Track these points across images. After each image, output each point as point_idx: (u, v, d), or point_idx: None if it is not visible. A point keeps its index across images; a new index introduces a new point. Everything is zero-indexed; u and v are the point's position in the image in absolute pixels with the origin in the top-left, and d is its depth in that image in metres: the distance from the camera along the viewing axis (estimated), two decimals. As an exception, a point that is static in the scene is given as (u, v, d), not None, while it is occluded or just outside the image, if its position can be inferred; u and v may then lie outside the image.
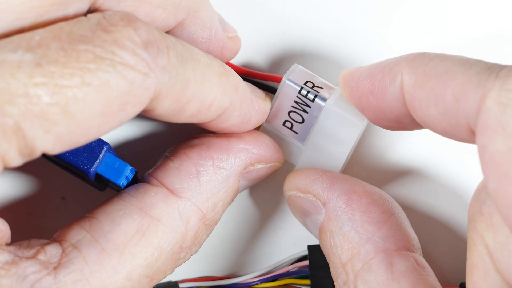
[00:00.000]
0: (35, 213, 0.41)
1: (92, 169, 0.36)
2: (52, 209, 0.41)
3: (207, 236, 0.37)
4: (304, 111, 0.38)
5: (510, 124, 0.28)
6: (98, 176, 0.37)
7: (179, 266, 0.41)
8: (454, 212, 0.42)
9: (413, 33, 0.41)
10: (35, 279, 0.31)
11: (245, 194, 0.42)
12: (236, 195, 0.38)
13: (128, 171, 0.36)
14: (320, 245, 0.36)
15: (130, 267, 0.33)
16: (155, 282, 0.35)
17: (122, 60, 0.29)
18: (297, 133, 0.39)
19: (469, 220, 0.33)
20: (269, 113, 0.38)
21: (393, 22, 0.41)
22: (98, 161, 0.36)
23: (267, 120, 0.38)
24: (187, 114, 0.33)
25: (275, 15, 0.41)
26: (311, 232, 0.38)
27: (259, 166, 0.37)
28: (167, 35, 0.32)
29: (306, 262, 0.41)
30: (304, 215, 0.37)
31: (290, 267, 0.41)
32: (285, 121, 0.39)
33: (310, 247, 0.40)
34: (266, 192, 0.42)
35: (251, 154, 0.37)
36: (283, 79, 0.38)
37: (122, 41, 0.29)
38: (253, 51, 0.41)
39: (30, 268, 0.32)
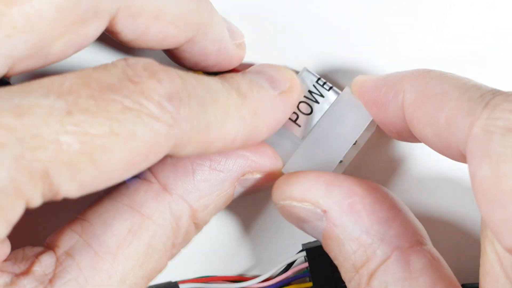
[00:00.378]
0: (34, 213, 0.40)
1: None
2: (51, 210, 0.41)
3: (196, 235, 0.36)
4: (316, 101, 0.38)
5: (496, 151, 0.28)
6: None
7: (179, 266, 0.42)
8: (455, 212, 0.42)
9: (420, 38, 0.41)
10: None
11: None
12: (230, 200, 0.37)
13: None
14: (325, 249, 0.36)
15: (124, 270, 0.33)
16: (151, 280, 0.35)
17: (149, 112, 0.30)
18: (300, 126, 0.38)
19: (481, 226, 0.33)
20: None
21: (400, 27, 0.41)
22: None
23: None
24: (212, 151, 0.34)
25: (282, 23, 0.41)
26: (309, 234, 0.37)
27: (258, 175, 0.37)
28: (187, 77, 0.32)
29: (303, 265, 0.41)
30: (301, 222, 0.36)
31: (289, 273, 0.41)
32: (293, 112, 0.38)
33: (307, 251, 0.40)
34: (267, 190, 0.40)
35: (251, 162, 0.37)
36: (302, 69, 0.39)
37: (148, 93, 0.30)
38: (256, 55, 0.41)
39: (28, 285, 0.32)
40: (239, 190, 0.37)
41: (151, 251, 0.34)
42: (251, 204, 0.42)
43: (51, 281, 0.32)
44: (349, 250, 0.34)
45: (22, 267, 0.33)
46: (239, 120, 0.34)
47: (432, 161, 0.42)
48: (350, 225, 0.34)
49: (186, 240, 0.36)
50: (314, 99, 0.39)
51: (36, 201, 0.29)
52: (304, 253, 0.41)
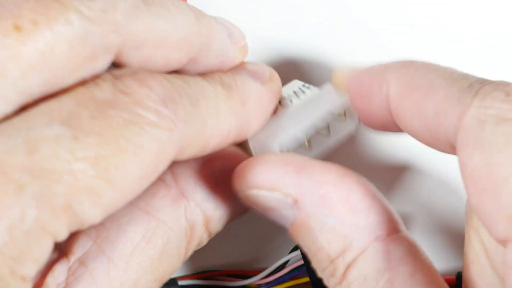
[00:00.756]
0: None
1: None
2: None
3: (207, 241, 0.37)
4: (297, 96, 0.38)
5: (488, 140, 0.28)
6: None
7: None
8: (450, 199, 0.42)
9: (413, 34, 0.41)
10: None
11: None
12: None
13: None
14: (294, 237, 0.34)
15: (136, 276, 0.33)
16: (163, 282, 0.35)
17: (148, 121, 0.29)
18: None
19: (466, 215, 0.33)
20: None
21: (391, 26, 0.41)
22: None
23: None
24: (210, 149, 0.33)
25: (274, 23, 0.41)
26: (274, 221, 0.35)
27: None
28: (173, 79, 0.32)
29: (297, 263, 0.41)
30: (267, 211, 0.35)
31: (285, 270, 0.41)
32: None
33: (302, 250, 0.40)
34: None
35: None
36: (292, 81, 0.38)
37: (143, 101, 0.30)
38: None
39: None
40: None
41: (165, 257, 0.34)
42: None
43: None
44: (323, 240, 0.33)
45: (36, 277, 0.33)
46: (230, 113, 0.34)
47: (417, 154, 0.42)
48: (324, 215, 0.33)
49: (198, 246, 0.36)
50: (296, 95, 0.38)
51: (62, 235, 0.28)
52: (298, 250, 0.41)
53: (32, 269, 0.28)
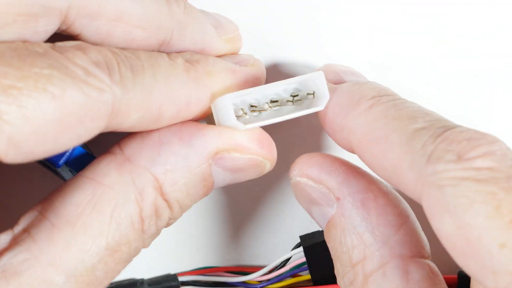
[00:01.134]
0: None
1: (61, 161, 0.36)
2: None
3: (174, 216, 0.35)
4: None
5: (452, 204, 0.29)
6: (67, 169, 0.36)
7: (179, 258, 0.42)
8: None
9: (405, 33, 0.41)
10: None
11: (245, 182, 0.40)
12: (211, 183, 0.35)
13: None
14: (326, 237, 0.36)
15: (84, 239, 0.32)
16: (120, 255, 0.33)
17: (76, 75, 0.30)
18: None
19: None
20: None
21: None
22: (67, 153, 0.36)
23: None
24: (167, 118, 0.33)
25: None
26: (314, 219, 0.37)
27: (236, 155, 0.35)
28: (122, 51, 0.32)
29: (298, 260, 0.41)
30: (311, 203, 0.36)
31: (287, 267, 0.41)
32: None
33: (305, 249, 0.40)
34: (266, 179, 0.41)
35: (227, 139, 0.35)
36: None
37: (73, 59, 0.30)
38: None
39: None
40: (219, 172, 0.35)
41: (114, 222, 0.33)
42: (250, 195, 0.42)
43: (1, 254, 0.32)
44: (349, 242, 0.34)
45: None
46: (189, 82, 0.34)
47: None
48: (358, 219, 0.34)
49: (159, 218, 0.34)
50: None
51: None
52: (301, 247, 0.41)
53: None
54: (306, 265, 0.41)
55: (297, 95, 0.36)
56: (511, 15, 0.40)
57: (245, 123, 0.35)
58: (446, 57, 0.41)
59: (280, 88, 0.36)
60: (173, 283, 0.42)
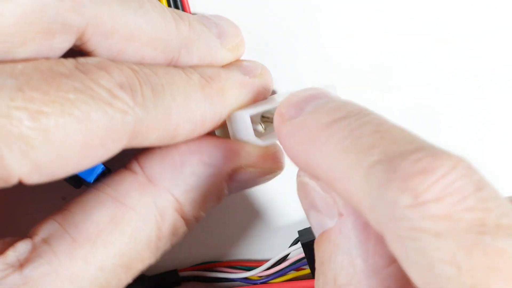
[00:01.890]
0: (34, 213, 0.41)
1: (91, 178, 0.36)
2: (52, 210, 0.39)
3: (189, 229, 0.36)
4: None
5: (414, 259, 0.27)
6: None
7: (179, 254, 0.42)
8: None
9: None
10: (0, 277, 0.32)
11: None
12: (224, 195, 0.36)
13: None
14: (316, 245, 0.34)
15: (102, 257, 0.33)
16: (133, 272, 0.34)
17: (100, 97, 0.30)
18: None
19: None
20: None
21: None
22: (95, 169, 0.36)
23: None
24: (183, 136, 0.34)
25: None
26: (309, 221, 0.35)
27: (251, 169, 0.36)
28: (140, 68, 0.33)
29: (298, 255, 0.42)
30: (311, 207, 0.34)
31: (287, 263, 0.41)
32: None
33: (303, 245, 0.40)
34: None
35: (244, 158, 0.36)
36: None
37: (98, 81, 0.30)
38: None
39: None
40: (234, 185, 0.36)
41: (133, 242, 0.34)
42: (250, 191, 0.42)
43: (22, 265, 0.32)
44: (339, 262, 0.32)
45: None
46: (204, 100, 0.34)
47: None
48: (355, 241, 0.32)
49: (175, 235, 0.35)
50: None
51: None
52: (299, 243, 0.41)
53: None
54: (304, 260, 0.41)
55: None
56: (511, 15, 0.41)
57: (260, 136, 0.35)
58: (446, 57, 0.41)
59: None
60: (174, 279, 0.42)
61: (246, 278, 0.42)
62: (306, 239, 0.40)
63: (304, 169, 0.33)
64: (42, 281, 0.32)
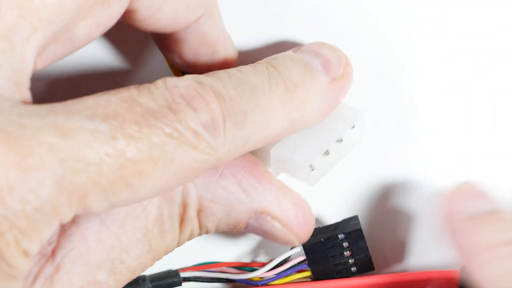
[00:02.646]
0: None
1: None
2: None
3: (199, 235, 0.37)
4: None
5: None
6: None
7: (180, 254, 0.42)
8: None
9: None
10: (37, 271, 0.33)
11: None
12: (239, 228, 0.37)
13: None
14: None
15: (128, 241, 0.34)
16: (156, 258, 0.36)
17: (186, 140, 0.30)
18: None
19: None
20: None
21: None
22: None
23: None
24: (251, 150, 0.34)
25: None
26: None
27: (276, 224, 0.37)
28: (225, 89, 0.32)
29: (299, 258, 0.41)
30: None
31: (288, 264, 0.41)
32: None
33: (304, 247, 0.41)
34: None
35: (276, 207, 0.36)
36: None
37: (186, 121, 0.31)
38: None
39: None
40: (253, 226, 0.37)
41: (158, 228, 0.35)
42: None
43: (53, 251, 0.33)
44: None
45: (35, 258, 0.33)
46: (284, 116, 0.34)
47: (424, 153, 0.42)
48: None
49: (190, 236, 0.36)
50: None
51: (67, 220, 0.29)
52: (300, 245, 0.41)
53: (35, 247, 0.29)
54: (305, 262, 0.41)
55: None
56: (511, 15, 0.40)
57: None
58: (446, 57, 0.41)
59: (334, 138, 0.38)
60: (175, 279, 0.42)
61: (248, 279, 0.41)
62: (308, 242, 0.40)
63: (468, 269, 0.34)
64: (72, 267, 0.32)
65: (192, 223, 0.35)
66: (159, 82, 0.31)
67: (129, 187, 0.29)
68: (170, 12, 0.35)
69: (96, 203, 0.29)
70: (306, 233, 0.37)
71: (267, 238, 0.37)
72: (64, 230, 0.33)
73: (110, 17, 0.33)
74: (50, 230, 0.29)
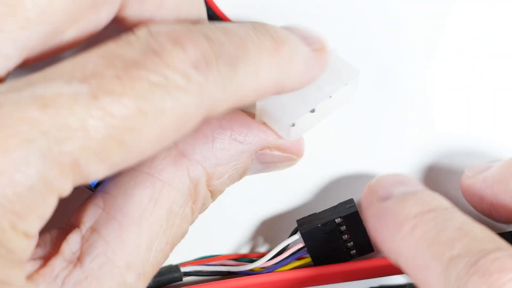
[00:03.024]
0: None
1: None
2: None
3: (211, 203, 0.37)
4: None
5: None
6: None
7: (179, 249, 0.42)
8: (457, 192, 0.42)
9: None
10: (64, 275, 0.32)
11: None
12: (246, 174, 0.38)
13: None
14: None
15: (149, 237, 0.34)
16: (175, 245, 0.36)
17: (175, 84, 0.29)
18: None
19: None
20: None
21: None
22: None
23: None
24: (245, 104, 0.34)
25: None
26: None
27: (276, 152, 0.37)
28: (214, 34, 0.31)
29: (296, 246, 0.42)
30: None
31: (288, 252, 0.41)
32: None
33: (303, 234, 0.41)
34: None
35: (271, 139, 0.37)
36: None
37: (173, 64, 0.29)
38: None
39: (58, 266, 0.32)
40: (256, 165, 0.38)
41: (173, 217, 0.34)
42: (249, 184, 0.42)
43: (79, 258, 0.33)
44: None
45: (50, 250, 0.33)
46: (273, 67, 0.34)
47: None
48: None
49: (203, 207, 0.36)
50: None
51: (67, 191, 0.29)
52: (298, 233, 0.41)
53: (35, 226, 0.28)
54: (304, 250, 0.41)
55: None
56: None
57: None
58: (446, 57, 0.41)
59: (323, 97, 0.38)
60: (176, 274, 0.42)
61: (249, 270, 0.42)
62: (305, 229, 0.40)
63: (384, 252, 0.36)
64: (101, 272, 0.32)
65: (205, 196, 0.36)
66: (141, 30, 0.30)
67: (122, 145, 0.28)
68: (161, 21, 0.34)
69: (93, 168, 0.28)
70: (302, 148, 0.38)
71: (270, 168, 0.38)
72: (86, 239, 0.33)
73: (98, 22, 0.32)
74: (48, 207, 0.28)
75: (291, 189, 0.42)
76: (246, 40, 0.33)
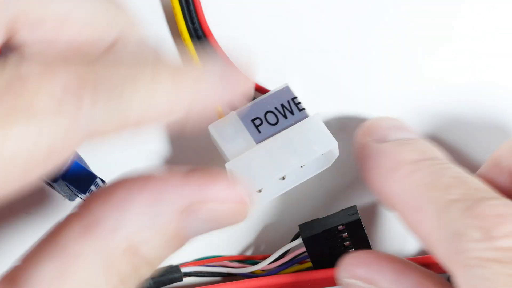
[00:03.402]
0: (35, 213, 0.41)
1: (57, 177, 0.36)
2: (52, 209, 0.41)
3: (155, 268, 0.32)
4: (285, 116, 0.39)
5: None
6: (63, 183, 0.36)
7: (181, 249, 0.42)
8: None
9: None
10: None
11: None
12: (184, 236, 0.32)
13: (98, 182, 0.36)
14: None
15: None
16: None
17: (43, 110, 0.27)
18: (260, 132, 0.39)
19: None
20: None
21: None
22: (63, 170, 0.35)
23: (238, 110, 0.39)
24: (149, 123, 0.30)
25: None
26: None
27: (212, 205, 0.31)
28: (95, 64, 0.29)
29: (300, 249, 0.42)
30: None
31: (289, 256, 0.42)
32: (257, 118, 0.39)
33: (304, 240, 0.41)
34: None
35: (198, 191, 0.31)
36: (283, 84, 0.39)
37: (40, 89, 0.27)
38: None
39: None
40: (193, 224, 0.31)
41: None
42: None
43: None
44: None
45: None
46: (171, 91, 0.30)
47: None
48: None
49: (139, 274, 0.31)
50: (283, 113, 0.39)
51: None
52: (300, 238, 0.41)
53: None
54: (305, 254, 0.41)
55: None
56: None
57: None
58: (446, 57, 0.41)
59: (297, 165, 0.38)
60: (176, 275, 0.42)
61: (250, 273, 0.42)
62: (307, 234, 0.40)
63: (377, 193, 0.35)
64: None
65: (134, 265, 0.31)
66: (12, 57, 0.28)
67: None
68: (70, 41, 0.32)
69: None
70: (247, 192, 0.31)
71: (217, 226, 0.32)
72: None
73: None
74: None
75: (294, 194, 0.42)
76: (136, 65, 0.29)
